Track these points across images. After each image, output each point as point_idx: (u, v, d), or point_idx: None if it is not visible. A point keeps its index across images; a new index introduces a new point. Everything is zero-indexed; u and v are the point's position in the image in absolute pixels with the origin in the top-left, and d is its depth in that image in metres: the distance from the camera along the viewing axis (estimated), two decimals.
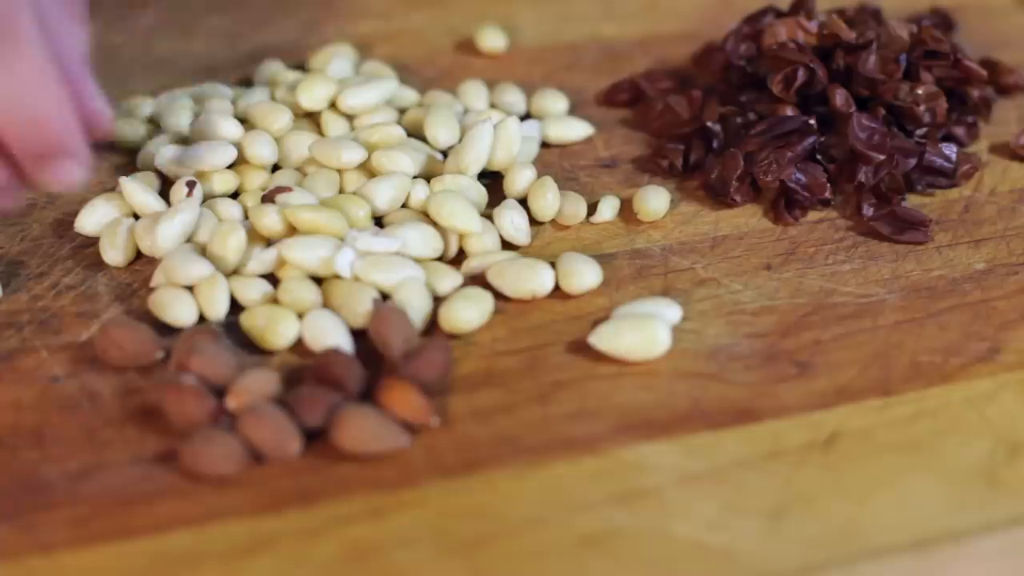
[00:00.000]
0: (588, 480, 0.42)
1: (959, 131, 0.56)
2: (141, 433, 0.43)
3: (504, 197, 0.52)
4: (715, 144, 0.55)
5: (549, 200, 0.51)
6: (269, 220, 0.49)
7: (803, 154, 0.53)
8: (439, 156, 0.53)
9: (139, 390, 0.44)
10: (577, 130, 0.56)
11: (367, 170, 0.52)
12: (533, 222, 0.51)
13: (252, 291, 0.47)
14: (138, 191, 0.50)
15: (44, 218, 0.52)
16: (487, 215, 0.51)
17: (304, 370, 0.45)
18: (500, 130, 0.52)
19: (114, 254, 0.49)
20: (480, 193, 0.51)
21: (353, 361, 0.44)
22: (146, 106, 0.56)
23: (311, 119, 0.55)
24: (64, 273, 0.49)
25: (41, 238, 0.51)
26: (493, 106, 0.58)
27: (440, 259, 0.49)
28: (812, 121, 0.53)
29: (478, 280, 0.48)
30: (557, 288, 0.48)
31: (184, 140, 0.54)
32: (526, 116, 0.58)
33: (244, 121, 0.54)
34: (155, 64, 0.60)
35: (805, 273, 0.49)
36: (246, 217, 0.50)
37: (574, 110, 0.58)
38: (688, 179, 0.54)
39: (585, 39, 0.64)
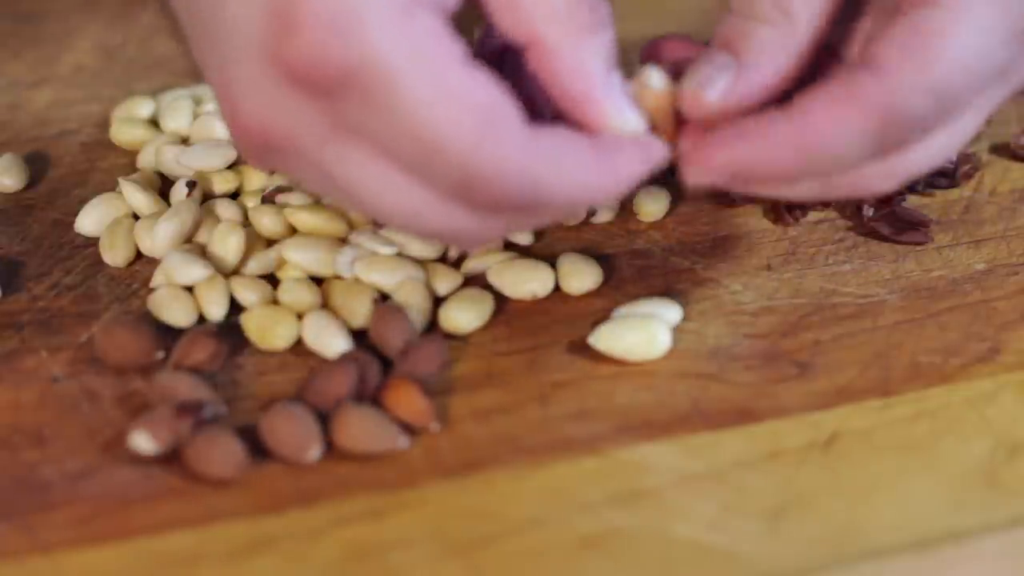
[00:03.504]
0: (588, 480, 0.42)
1: None
2: None
3: None
4: None
5: None
6: (269, 221, 0.49)
7: None
8: None
9: (139, 390, 0.44)
10: None
11: None
12: None
13: (252, 292, 0.47)
14: (138, 191, 0.50)
15: (44, 218, 0.52)
16: None
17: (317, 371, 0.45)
18: None
19: (114, 254, 0.49)
20: None
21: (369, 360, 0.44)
22: (146, 106, 0.56)
23: None
24: (64, 273, 0.49)
25: (41, 238, 0.51)
26: None
27: (440, 259, 0.49)
28: None
29: (478, 280, 0.48)
30: (557, 288, 0.48)
31: (184, 140, 0.54)
32: None
33: None
34: (155, 64, 0.60)
35: (805, 273, 0.49)
36: (246, 217, 0.50)
37: None
38: None
39: None
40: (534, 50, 0.41)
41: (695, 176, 0.42)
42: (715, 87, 0.41)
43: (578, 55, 0.41)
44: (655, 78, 0.42)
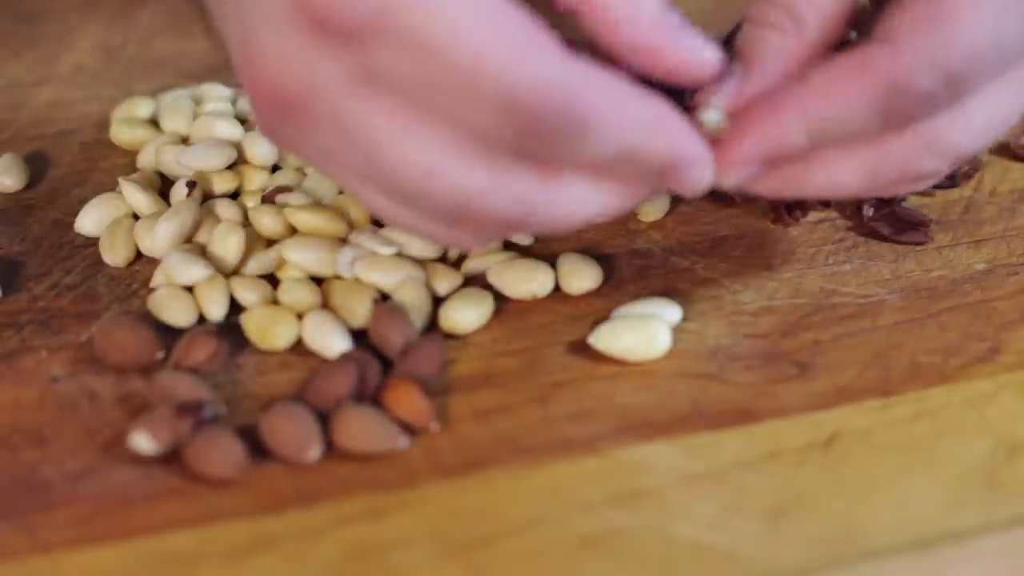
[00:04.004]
0: (588, 480, 0.42)
1: None
2: None
3: None
4: None
5: None
6: (269, 221, 0.49)
7: None
8: None
9: (139, 390, 0.44)
10: None
11: None
12: None
13: (252, 292, 0.47)
14: (138, 191, 0.50)
15: (44, 218, 0.52)
16: None
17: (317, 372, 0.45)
18: None
19: (114, 254, 0.49)
20: None
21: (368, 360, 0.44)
22: (146, 106, 0.56)
23: None
24: (64, 273, 0.49)
25: (41, 238, 0.51)
26: None
27: (440, 259, 0.49)
28: None
29: (478, 280, 0.48)
30: (557, 288, 0.48)
31: (184, 140, 0.54)
32: None
33: (244, 121, 0.54)
34: (155, 64, 0.60)
35: (805, 273, 0.49)
36: (246, 217, 0.50)
37: None
38: None
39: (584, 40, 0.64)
40: (586, 14, 0.40)
41: (732, 176, 0.42)
42: (721, 91, 0.42)
43: (632, 4, 0.40)
44: (712, 115, 0.42)
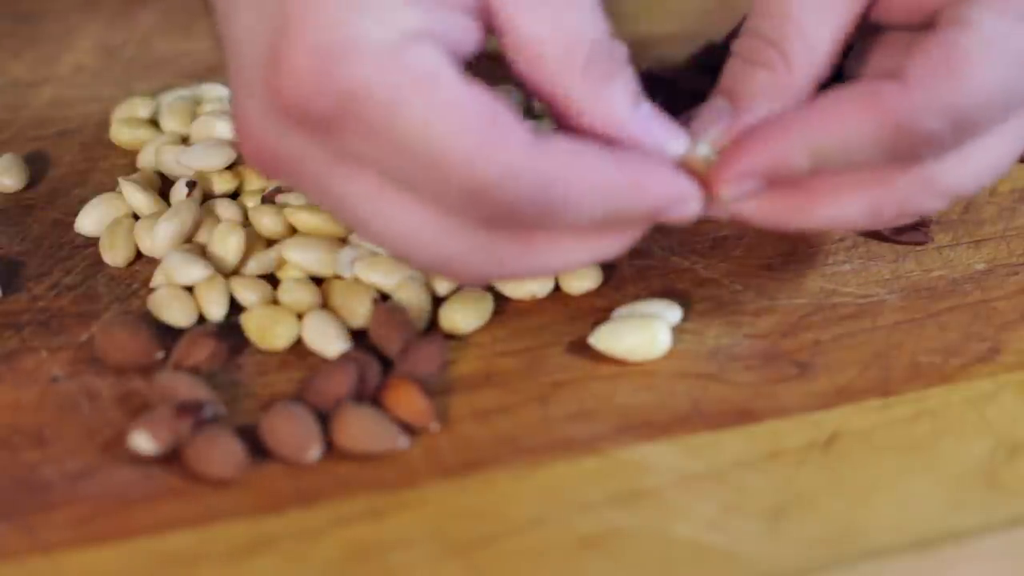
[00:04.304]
0: (588, 480, 0.42)
1: None
2: None
3: None
4: None
5: None
6: (269, 221, 0.49)
7: None
8: None
9: (139, 390, 0.44)
10: None
11: None
12: None
13: (252, 292, 0.47)
14: (138, 191, 0.50)
15: (44, 218, 0.52)
16: None
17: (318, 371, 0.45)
18: None
19: (114, 254, 0.49)
20: None
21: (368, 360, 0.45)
22: (146, 106, 0.56)
23: None
24: (64, 273, 0.49)
25: (41, 238, 0.51)
26: None
27: None
28: None
29: None
30: (557, 288, 0.48)
31: (184, 140, 0.54)
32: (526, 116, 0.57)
33: None
34: (155, 64, 0.60)
35: (805, 273, 0.49)
36: (246, 217, 0.50)
37: None
38: None
39: None
40: (557, 111, 0.41)
41: (732, 189, 0.42)
42: (710, 133, 0.42)
43: (601, 104, 0.41)
44: (703, 149, 0.42)
